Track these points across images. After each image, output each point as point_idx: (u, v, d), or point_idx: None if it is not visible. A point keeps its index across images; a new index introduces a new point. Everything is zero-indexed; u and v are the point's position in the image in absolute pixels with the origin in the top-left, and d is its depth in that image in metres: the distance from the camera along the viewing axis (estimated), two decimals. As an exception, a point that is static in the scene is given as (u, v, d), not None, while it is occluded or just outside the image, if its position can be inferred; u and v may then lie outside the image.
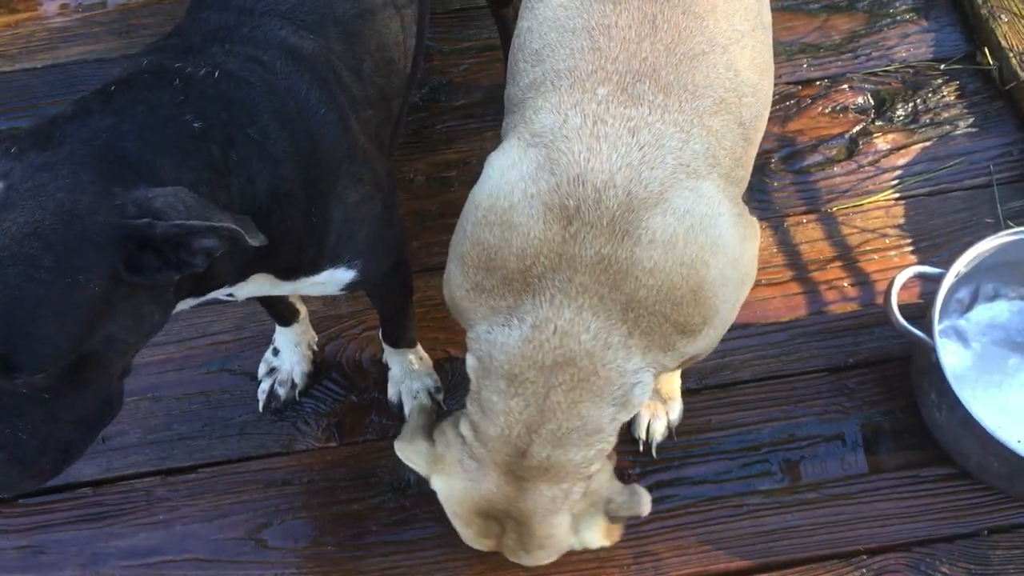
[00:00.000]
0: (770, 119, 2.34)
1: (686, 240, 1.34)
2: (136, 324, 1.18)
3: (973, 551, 1.88)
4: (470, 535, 1.58)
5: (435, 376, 2.07)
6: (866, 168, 2.33)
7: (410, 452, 1.60)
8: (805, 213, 2.27)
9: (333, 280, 1.55)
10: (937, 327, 1.83)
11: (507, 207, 1.37)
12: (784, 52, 2.49)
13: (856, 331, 2.12)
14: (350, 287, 1.59)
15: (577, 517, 1.52)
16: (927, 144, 2.36)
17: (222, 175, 1.25)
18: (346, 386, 2.11)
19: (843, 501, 1.94)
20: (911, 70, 2.47)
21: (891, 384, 2.05)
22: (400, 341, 1.97)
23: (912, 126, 2.38)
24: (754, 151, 1.56)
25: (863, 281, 2.18)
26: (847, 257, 2.21)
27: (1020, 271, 2.02)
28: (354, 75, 1.53)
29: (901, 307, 1.84)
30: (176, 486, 2.01)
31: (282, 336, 2.06)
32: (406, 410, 2.03)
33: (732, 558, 1.90)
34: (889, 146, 2.36)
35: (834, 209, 2.27)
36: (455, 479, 1.53)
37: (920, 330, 1.83)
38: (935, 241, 2.22)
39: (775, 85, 2.38)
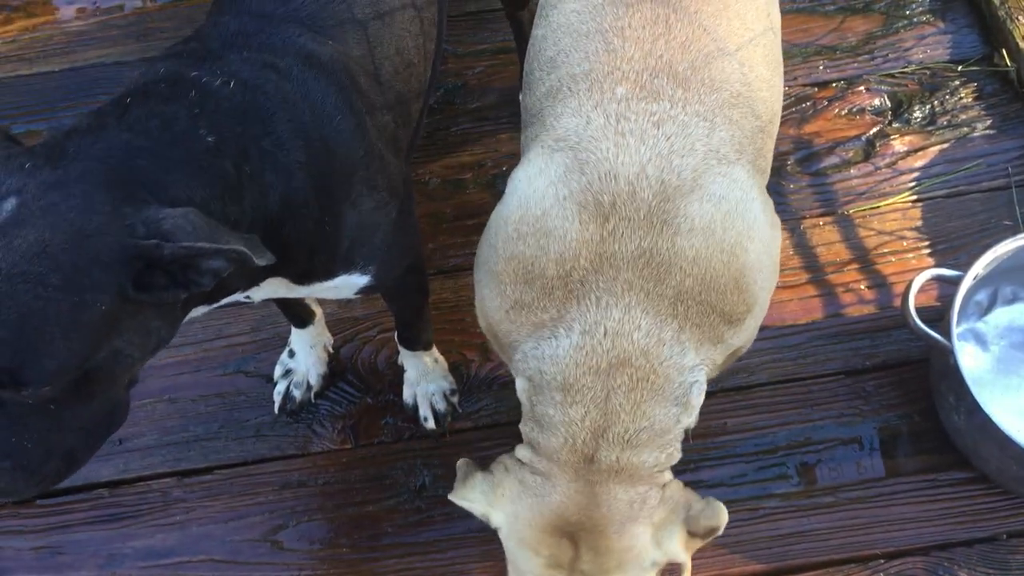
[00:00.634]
0: (786, 121, 2.35)
1: (724, 226, 1.33)
2: (143, 340, 1.19)
3: (992, 555, 1.87)
4: (539, 566, 1.41)
5: (451, 378, 2.07)
6: (883, 170, 2.31)
7: (465, 490, 1.45)
8: (822, 215, 2.26)
9: (347, 284, 1.55)
10: (955, 330, 1.82)
11: (539, 214, 1.36)
12: (800, 54, 2.48)
13: (873, 334, 2.11)
14: (365, 291, 1.59)
15: (657, 527, 1.40)
16: (945, 146, 2.34)
17: (234, 190, 1.25)
18: (361, 388, 2.12)
19: (860, 505, 1.93)
20: (928, 72, 2.46)
21: (909, 387, 2.04)
22: (416, 343, 1.97)
23: (929, 128, 2.37)
24: (772, 143, 1.57)
25: (880, 284, 2.17)
26: (864, 259, 2.20)
27: (1039, 274, 2.01)
28: (372, 80, 1.53)
29: (919, 310, 1.83)
30: (192, 487, 2.02)
31: (298, 338, 2.06)
32: (421, 412, 2.03)
33: (748, 562, 1.89)
34: (906, 148, 2.34)
35: (851, 211, 2.26)
36: (519, 501, 1.41)
37: (938, 333, 1.82)
38: (953, 244, 2.21)
39: (791, 87, 2.39)
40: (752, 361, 2.07)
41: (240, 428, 2.08)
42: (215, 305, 1.36)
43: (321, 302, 2.07)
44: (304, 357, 2.07)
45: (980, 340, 2.04)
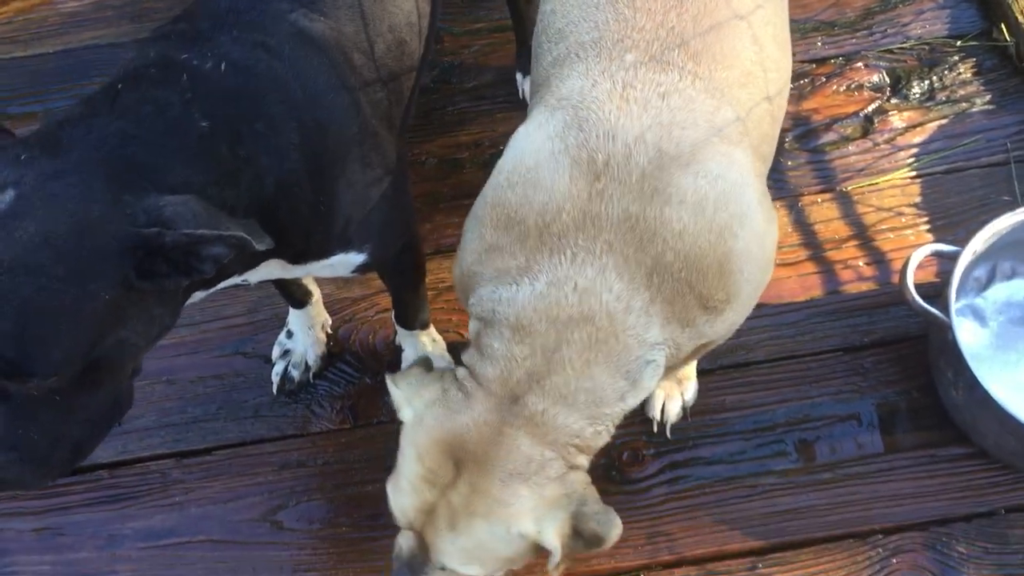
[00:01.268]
0: (784, 97, 2.34)
1: (716, 205, 1.31)
2: (146, 327, 1.20)
3: (990, 530, 1.88)
4: (414, 476, 1.36)
5: (448, 358, 2.06)
6: (882, 146, 2.31)
7: (400, 377, 1.45)
8: (820, 192, 2.25)
9: (344, 263, 1.55)
10: (954, 306, 1.82)
11: (532, 165, 1.35)
12: (798, 30, 2.46)
13: (872, 310, 2.10)
14: (361, 269, 1.59)
15: (543, 502, 1.33)
16: (943, 122, 2.33)
17: (230, 174, 1.25)
18: (360, 368, 2.12)
19: (858, 481, 1.93)
20: (927, 47, 2.44)
21: (907, 363, 2.04)
22: (413, 323, 1.97)
23: (928, 104, 2.36)
24: (778, 129, 1.55)
25: (879, 260, 2.16)
26: (862, 236, 2.19)
27: (1038, 249, 2.01)
28: (365, 57, 1.52)
29: (917, 286, 1.83)
30: (191, 468, 2.02)
31: (296, 318, 2.06)
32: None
33: (746, 538, 1.90)
34: (905, 124, 2.33)
35: (849, 188, 2.25)
36: (431, 407, 1.38)
37: (937, 309, 1.82)
38: (952, 220, 2.20)
39: (789, 63, 2.38)
40: (750, 339, 2.07)
41: (239, 409, 2.08)
42: (213, 289, 1.36)
43: (319, 282, 2.07)
44: (302, 337, 2.07)
45: (979, 316, 2.03)
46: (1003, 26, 2.41)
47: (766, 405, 2.02)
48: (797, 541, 1.89)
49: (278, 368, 2.08)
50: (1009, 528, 1.88)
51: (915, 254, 1.85)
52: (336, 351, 2.13)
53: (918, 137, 2.32)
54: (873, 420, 1.99)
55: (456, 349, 2.10)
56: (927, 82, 2.39)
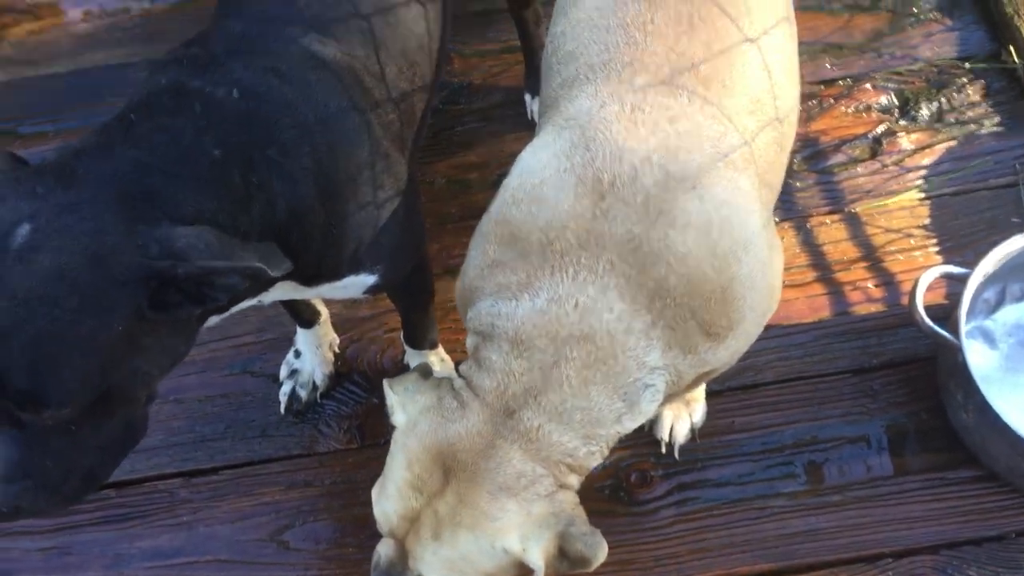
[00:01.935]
0: (792, 119, 2.34)
1: (720, 230, 1.30)
2: (160, 356, 1.21)
3: (1001, 554, 1.86)
4: (401, 482, 1.35)
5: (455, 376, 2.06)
6: (890, 168, 2.31)
7: (397, 382, 1.43)
8: (828, 213, 2.25)
9: (355, 284, 1.55)
10: (964, 328, 1.81)
11: (537, 183, 1.35)
12: (806, 52, 2.47)
13: (881, 332, 2.09)
14: (372, 290, 1.60)
15: (530, 520, 1.31)
16: (952, 143, 2.33)
17: (243, 201, 1.26)
18: (367, 388, 2.12)
19: (868, 503, 1.92)
20: (935, 69, 2.44)
21: (916, 385, 2.03)
22: (422, 342, 1.97)
23: (937, 125, 2.36)
24: (786, 158, 1.54)
25: (888, 281, 2.16)
26: (871, 257, 2.19)
27: (1048, 271, 2.00)
28: (377, 80, 1.53)
29: (927, 308, 1.82)
30: (199, 488, 2.02)
31: (303, 338, 2.06)
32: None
33: (755, 561, 1.89)
34: (913, 145, 2.34)
35: (858, 209, 2.25)
36: (425, 414, 1.37)
37: (946, 331, 1.81)
38: (960, 241, 2.20)
39: (797, 85, 2.38)
40: (759, 360, 2.07)
41: (246, 428, 2.08)
42: (229, 313, 1.36)
43: (327, 302, 2.07)
44: (310, 357, 2.07)
45: (988, 338, 2.02)
46: (1012, 48, 2.42)
47: (775, 426, 2.01)
48: (806, 564, 1.88)
49: (286, 388, 2.09)
50: (1021, 552, 1.86)
51: (924, 275, 1.85)
52: (344, 371, 2.14)
53: (927, 159, 2.32)
54: (882, 442, 1.98)
55: (464, 369, 2.10)
56: (936, 104, 2.39)
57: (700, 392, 1.98)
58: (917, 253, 2.19)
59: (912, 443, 1.98)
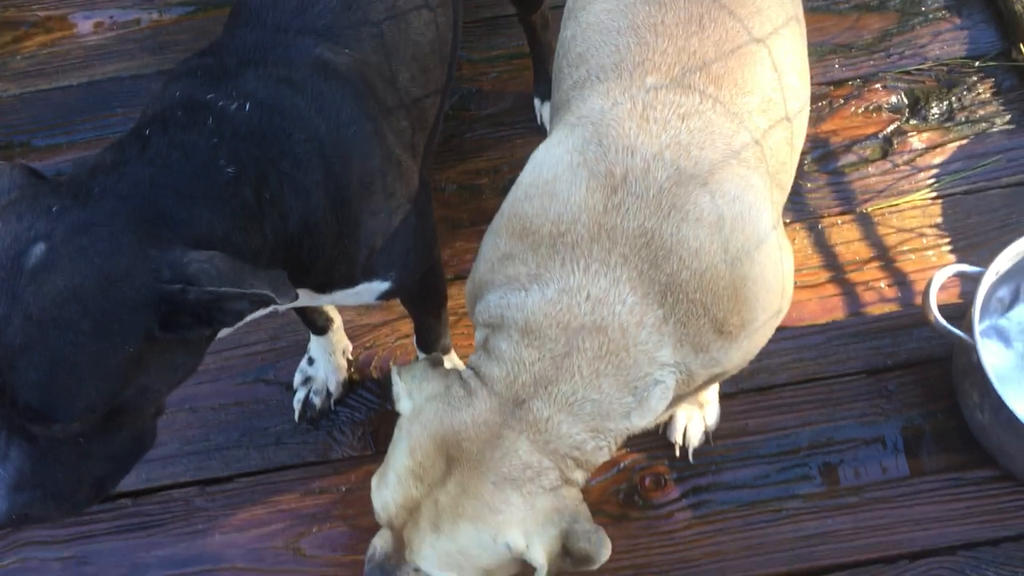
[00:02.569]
0: (802, 120, 2.34)
1: (733, 227, 1.31)
2: (169, 374, 1.23)
3: (1019, 554, 1.85)
4: (402, 470, 1.33)
5: (469, 382, 2.06)
6: (901, 167, 2.30)
7: (406, 370, 1.42)
8: (840, 214, 2.25)
9: (369, 291, 1.56)
10: (978, 327, 1.81)
11: (550, 178, 1.35)
12: (815, 53, 2.47)
13: (895, 332, 2.09)
14: (386, 296, 1.61)
15: (532, 515, 1.29)
16: (963, 142, 2.32)
17: (255, 218, 1.27)
18: (380, 395, 2.12)
19: (884, 505, 1.92)
20: (945, 68, 2.44)
21: (931, 386, 2.02)
22: (435, 348, 1.97)
23: (947, 124, 2.35)
24: (796, 158, 1.54)
25: (901, 281, 2.15)
26: (884, 257, 2.18)
27: (1062, 269, 1.99)
28: (389, 87, 1.54)
29: (940, 307, 1.82)
30: (214, 496, 2.03)
31: (317, 345, 2.07)
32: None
33: (771, 564, 1.88)
34: (924, 145, 2.33)
35: (870, 209, 2.25)
36: (430, 402, 1.35)
37: (960, 330, 1.81)
38: (973, 240, 2.19)
39: (807, 86, 2.38)
40: (773, 361, 2.06)
41: (261, 436, 2.09)
42: (240, 323, 1.37)
43: (340, 309, 2.08)
44: (323, 364, 2.07)
45: (1003, 337, 2.02)
46: (1021, 46, 2.41)
47: (789, 428, 2.01)
48: (823, 567, 1.87)
49: (299, 395, 2.09)
50: (1039, 552, 1.85)
51: (938, 275, 1.84)
52: (357, 378, 2.14)
53: (938, 158, 2.31)
54: (898, 443, 1.97)
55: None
56: (946, 103, 2.38)
57: (713, 394, 1.98)
58: (930, 252, 2.18)
59: (928, 444, 1.97)
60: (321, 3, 1.48)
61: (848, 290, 2.15)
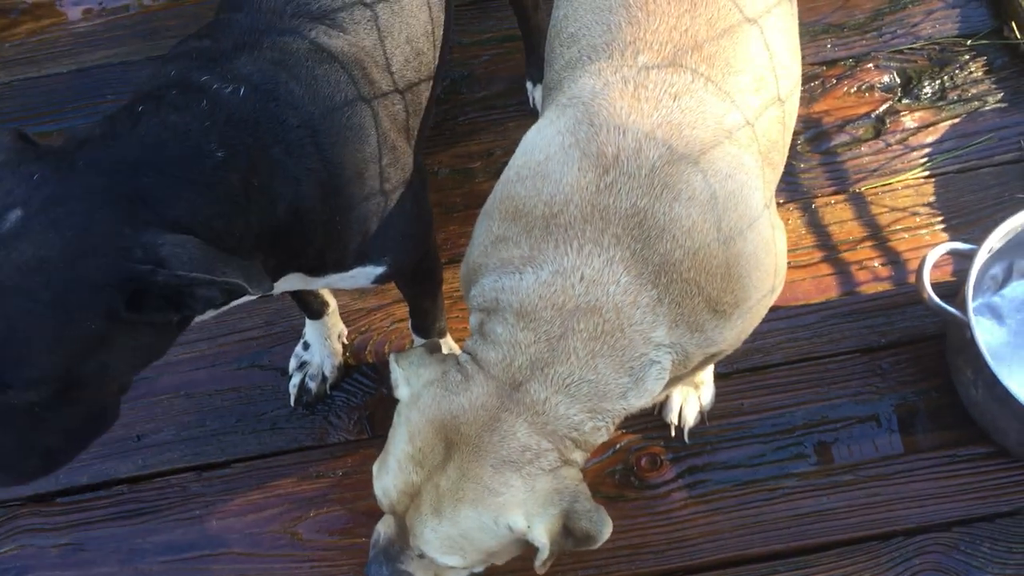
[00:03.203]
0: (795, 99, 2.34)
1: (725, 205, 1.31)
2: (133, 355, 1.22)
3: (1014, 530, 1.86)
4: (402, 456, 1.33)
5: (465, 366, 2.07)
6: (894, 147, 2.30)
7: (404, 356, 1.42)
8: (833, 194, 2.25)
9: (364, 275, 1.56)
10: (971, 304, 1.81)
11: (542, 159, 1.35)
12: (807, 33, 2.46)
13: (888, 311, 2.10)
14: (381, 280, 1.60)
15: (533, 496, 1.30)
16: (955, 121, 2.33)
17: (240, 205, 1.26)
18: (376, 379, 2.12)
19: (879, 482, 1.93)
20: (937, 47, 2.44)
21: (925, 363, 2.03)
22: (431, 331, 1.97)
23: (940, 103, 2.35)
24: (788, 137, 1.54)
25: (894, 260, 2.16)
26: (877, 237, 2.19)
27: (1054, 246, 2.00)
28: (384, 70, 1.53)
29: (934, 285, 1.82)
30: (211, 481, 2.03)
31: (312, 330, 2.07)
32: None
33: (768, 542, 1.89)
34: (917, 124, 2.33)
35: (863, 189, 2.25)
36: (428, 387, 1.35)
37: (954, 308, 1.81)
38: (966, 218, 2.19)
39: (799, 65, 2.38)
40: (767, 341, 2.07)
41: (257, 421, 2.09)
42: (225, 308, 1.36)
43: (335, 293, 2.08)
44: (319, 349, 2.07)
45: (996, 314, 2.02)
46: (1013, 24, 2.41)
47: (784, 408, 2.01)
48: (818, 544, 1.88)
49: (295, 380, 2.09)
50: (1033, 527, 1.87)
51: (931, 253, 1.85)
52: (353, 362, 2.14)
53: (930, 137, 2.31)
54: (892, 421, 1.98)
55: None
56: (938, 82, 2.38)
57: (708, 374, 1.98)
58: (923, 231, 2.19)
59: (922, 421, 1.98)
60: None
61: (842, 269, 2.15)
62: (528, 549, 1.34)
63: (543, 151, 1.36)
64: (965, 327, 1.80)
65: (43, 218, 1.11)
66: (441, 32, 1.68)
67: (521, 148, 1.41)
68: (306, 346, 2.09)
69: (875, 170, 2.27)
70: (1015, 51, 2.40)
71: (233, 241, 1.25)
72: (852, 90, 2.39)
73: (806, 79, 2.40)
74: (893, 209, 2.22)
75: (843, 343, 2.07)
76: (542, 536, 1.30)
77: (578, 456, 1.37)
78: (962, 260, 1.96)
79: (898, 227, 2.20)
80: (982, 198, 2.22)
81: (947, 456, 1.94)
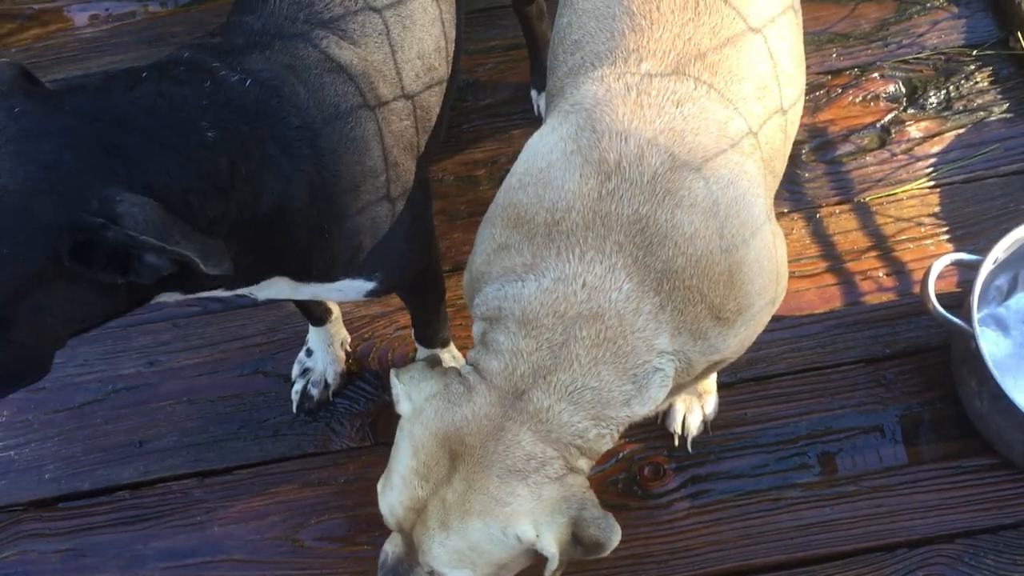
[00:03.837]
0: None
1: (727, 212, 1.30)
2: (71, 308, 1.18)
3: (1019, 542, 1.85)
4: (407, 471, 1.32)
5: (467, 374, 2.06)
6: (899, 156, 2.30)
7: (404, 371, 1.41)
8: (838, 203, 2.25)
9: (352, 288, 1.54)
10: (976, 315, 1.80)
11: (544, 166, 1.35)
12: (813, 42, 2.46)
13: (893, 321, 2.09)
14: (373, 295, 1.58)
15: (540, 505, 1.29)
16: (961, 131, 2.32)
17: (221, 189, 1.24)
18: (379, 386, 2.12)
19: (883, 493, 1.92)
20: (943, 57, 2.43)
21: (930, 374, 2.02)
22: (433, 341, 1.97)
23: (945, 113, 2.35)
24: (790, 146, 1.54)
25: (899, 270, 2.15)
26: (882, 247, 2.18)
27: (1060, 257, 1.99)
28: (392, 86, 1.52)
29: (939, 296, 1.82)
30: (213, 488, 2.03)
31: (315, 336, 2.07)
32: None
33: (771, 552, 1.88)
34: (922, 134, 2.33)
35: (867, 199, 2.24)
36: (431, 400, 1.34)
37: (959, 318, 1.80)
38: (971, 229, 2.19)
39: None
40: (771, 351, 2.06)
41: (259, 428, 2.08)
42: (191, 296, 1.35)
43: (337, 301, 2.07)
44: (321, 355, 2.07)
45: (1001, 325, 2.02)
46: (1019, 35, 2.41)
47: (788, 418, 2.01)
48: (822, 555, 1.88)
49: (298, 387, 2.09)
50: (1037, 540, 1.86)
51: (936, 263, 1.84)
52: (355, 369, 2.14)
53: (936, 147, 2.31)
54: (896, 432, 1.97)
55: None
56: (944, 92, 2.38)
57: (712, 384, 1.98)
58: (928, 241, 2.18)
59: (926, 432, 1.97)
60: None
61: (846, 279, 2.15)
62: (538, 560, 1.33)
63: (545, 158, 1.36)
64: (970, 338, 1.79)
65: (11, 148, 1.10)
66: (453, 48, 1.68)
67: (523, 155, 1.41)
68: (309, 353, 2.09)
69: (880, 180, 2.27)
70: (1021, 62, 2.39)
71: (205, 222, 1.23)
72: (857, 100, 2.39)
73: (811, 88, 2.40)
74: (898, 219, 2.21)
75: (847, 353, 2.06)
76: (551, 545, 1.29)
77: (583, 463, 1.36)
78: (967, 271, 1.95)
79: (903, 237, 2.19)
80: (987, 209, 2.21)
81: (951, 467, 1.93)
